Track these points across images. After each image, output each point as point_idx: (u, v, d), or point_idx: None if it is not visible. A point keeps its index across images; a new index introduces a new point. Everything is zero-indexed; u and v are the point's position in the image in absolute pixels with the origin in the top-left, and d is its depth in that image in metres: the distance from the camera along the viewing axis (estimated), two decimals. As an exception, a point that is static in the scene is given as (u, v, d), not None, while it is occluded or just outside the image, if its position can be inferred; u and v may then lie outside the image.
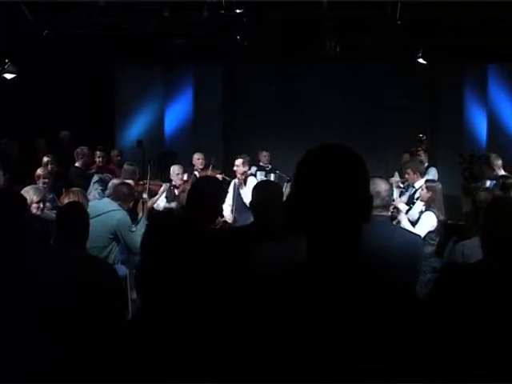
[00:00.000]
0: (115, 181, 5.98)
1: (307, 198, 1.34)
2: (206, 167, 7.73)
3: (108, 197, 5.43)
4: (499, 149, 6.88)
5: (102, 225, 4.62)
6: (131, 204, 5.34)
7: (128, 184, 5.58)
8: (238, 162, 6.75)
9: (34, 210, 4.61)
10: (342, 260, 1.33)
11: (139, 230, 4.89)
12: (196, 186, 3.63)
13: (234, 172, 6.81)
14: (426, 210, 5.37)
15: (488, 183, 6.12)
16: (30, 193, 4.70)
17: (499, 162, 6.35)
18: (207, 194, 3.38)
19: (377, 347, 1.25)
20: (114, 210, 4.94)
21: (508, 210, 2.29)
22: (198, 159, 7.85)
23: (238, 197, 6.45)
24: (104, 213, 4.82)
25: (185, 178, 7.30)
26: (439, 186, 5.62)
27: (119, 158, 8.36)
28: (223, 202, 3.51)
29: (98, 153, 8.08)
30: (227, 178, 7.96)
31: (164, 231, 3.09)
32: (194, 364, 2.99)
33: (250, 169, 7.08)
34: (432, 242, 5.13)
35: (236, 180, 6.74)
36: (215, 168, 7.89)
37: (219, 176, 7.76)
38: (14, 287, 2.32)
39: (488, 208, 2.39)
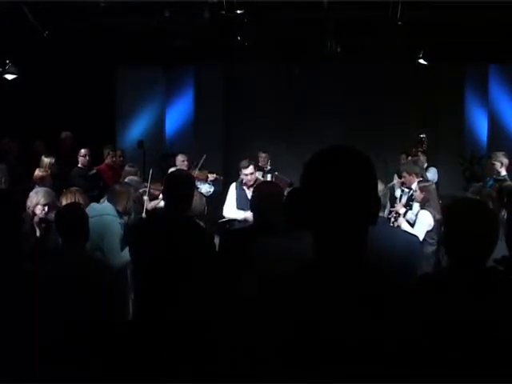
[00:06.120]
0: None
1: (317, 198, 1.34)
2: (190, 169, 7.61)
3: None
4: (500, 149, 6.85)
5: (93, 228, 4.28)
6: (126, 204, 4.98)
7: (123, 183, 5.31)
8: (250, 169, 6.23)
9: (37, 212, 4.62)
10: (349, 261, 1.34)
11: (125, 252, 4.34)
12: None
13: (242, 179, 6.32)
14: (421, 209, 5.38)
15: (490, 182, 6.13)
16: (38, 194, 4.72)
17: (505, 161, 6.32)
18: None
19: (379, 347, 1.25)
20: (107, 215, 4.68)
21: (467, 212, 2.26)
22: (182, 161, 7.71)
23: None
24: (98, 215, 4.54)
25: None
26: (432, 186, 5.61)
27: (121, 158, 8.38)
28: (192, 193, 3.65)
29: (110, 152, 8.05)
30: (219, 177, 7.92)
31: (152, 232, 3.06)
32: (195, 363, 2.99)
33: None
34: (432, 241, 5.13)
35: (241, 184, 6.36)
36: (203, 169, 7.79)
37: (212, 176, 7.70)
38: (14, 287, 2.32)
39: (449, 211, 2.36)
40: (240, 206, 6.17)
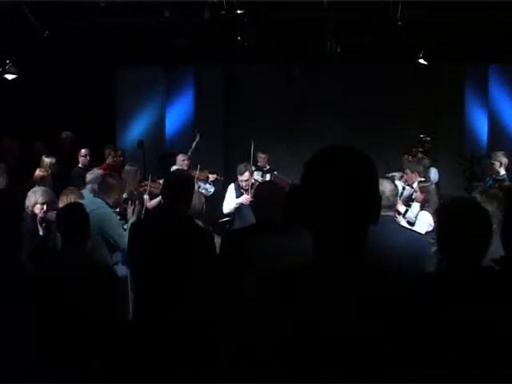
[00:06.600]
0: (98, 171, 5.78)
1: (317, 198, 1.34)
2: (190, 168, 7.60)
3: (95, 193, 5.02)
4: (500, 149, 6.85)
5: (93, 222, 3.83)
6: (118, 197, 4.94)
7: (114, 175, 5.23)
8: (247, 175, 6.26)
9: (36, 211, 4.62)
10: (349, 261, 1.34)
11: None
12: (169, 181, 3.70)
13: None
14: (421, 209, 5.39)
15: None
16: (36, 193, 4.72)
17: (504, 160, 6.31)
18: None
19: (379, 347, 1.25)
20: (96, 209, 4.54)
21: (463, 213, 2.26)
22: (182, 160, 7.70)
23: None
24: (95, 209, 4.40)
25: None
26: (432, 186, 5.63)
27: (121, 158, 8.37)
28: (192, 193, 3.69)
29: (111, 152, 8.04)
30: (219, 177, 7.92)
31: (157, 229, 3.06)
32: (195, 363, 2.99)
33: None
34: (433, 241, 5.12)
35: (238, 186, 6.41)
36: (202, 169, 7.77)
37: (212, 176, 7.71)
38: (14, 287, 2.33)
39: (445, 211, 2.36)
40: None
